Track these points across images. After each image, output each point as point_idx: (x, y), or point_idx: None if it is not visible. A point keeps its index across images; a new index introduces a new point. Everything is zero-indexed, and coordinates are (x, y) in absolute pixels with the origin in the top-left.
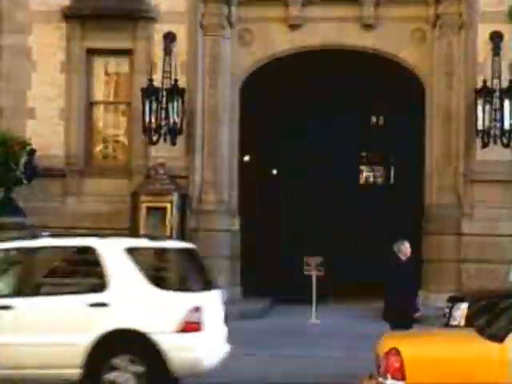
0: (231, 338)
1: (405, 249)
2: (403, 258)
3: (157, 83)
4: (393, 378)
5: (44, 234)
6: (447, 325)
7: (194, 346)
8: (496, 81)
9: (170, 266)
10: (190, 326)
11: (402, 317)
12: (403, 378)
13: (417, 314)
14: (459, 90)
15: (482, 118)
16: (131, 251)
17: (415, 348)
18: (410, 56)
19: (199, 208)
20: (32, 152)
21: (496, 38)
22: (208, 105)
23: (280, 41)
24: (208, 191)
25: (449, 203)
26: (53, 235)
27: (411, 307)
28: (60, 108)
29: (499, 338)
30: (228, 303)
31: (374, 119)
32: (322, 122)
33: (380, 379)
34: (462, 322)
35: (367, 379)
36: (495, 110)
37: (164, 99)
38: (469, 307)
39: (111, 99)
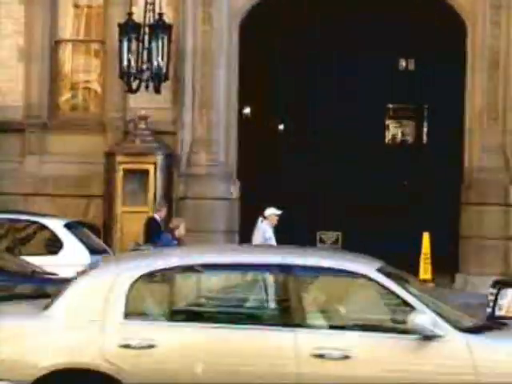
0: None
1: None
2: None
3: (137, 18)
4: None
5: None
6: (492, 315)
7: None
8: None
9: None
10: None
11: None
12: None
13: None
14: (509, 27)
15: None
16: None
17: None
18: None
19: (189, 171)
20: None
21: None
22: (201, 44)
23: None
24: (200, 151)
25: (494, 166)
26: None
27: None
28: (18, 47)
29: None
30: None
31: (402, 63)
32: (339, 66)
33: None
34: (511, 312)
35: None
36: None
37: (146, 37)
38: None
39: (81, 37)
